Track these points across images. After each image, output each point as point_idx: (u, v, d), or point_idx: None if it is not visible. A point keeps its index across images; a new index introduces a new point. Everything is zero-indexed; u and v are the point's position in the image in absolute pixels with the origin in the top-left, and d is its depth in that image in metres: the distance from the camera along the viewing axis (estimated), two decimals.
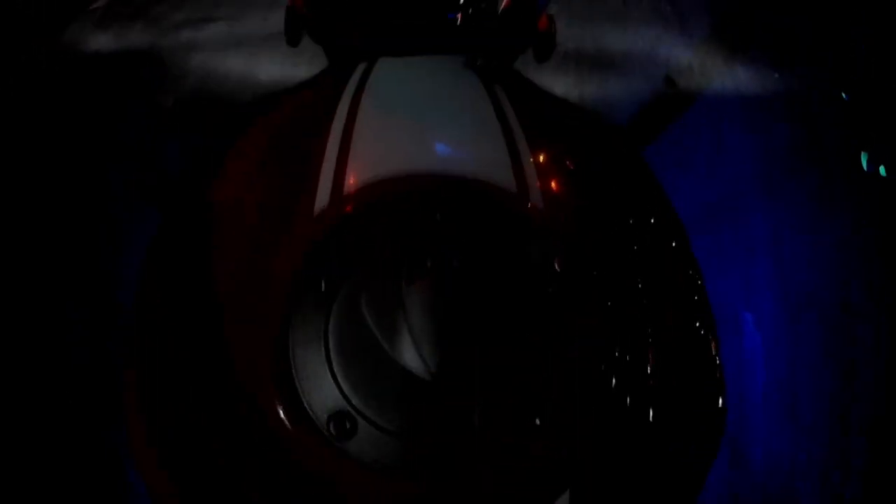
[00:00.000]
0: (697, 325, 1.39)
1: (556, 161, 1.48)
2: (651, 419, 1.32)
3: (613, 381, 1.31)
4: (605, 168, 1.53)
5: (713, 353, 1.38)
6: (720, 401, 1.35)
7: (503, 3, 1.74)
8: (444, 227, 1.33)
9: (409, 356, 1.28)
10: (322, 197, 1.32)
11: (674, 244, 1.44)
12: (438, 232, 1.33)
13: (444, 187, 1.35)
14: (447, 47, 1.67)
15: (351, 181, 1.34)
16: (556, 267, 1.34)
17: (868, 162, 1.57)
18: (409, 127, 1.43)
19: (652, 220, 1.47)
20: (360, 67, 1.55)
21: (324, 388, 1.29)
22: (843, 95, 1.66)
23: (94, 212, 1.93)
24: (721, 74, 1.74)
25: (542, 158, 1.45)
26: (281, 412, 1.28)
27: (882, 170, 1.56)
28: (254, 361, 1.31)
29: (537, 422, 1.28)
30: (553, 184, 1.44)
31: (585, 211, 1.43)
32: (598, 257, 1.38)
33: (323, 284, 1.30)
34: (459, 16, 1.70)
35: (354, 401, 1.28)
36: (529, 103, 1.60)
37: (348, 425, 1.28)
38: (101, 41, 1.82)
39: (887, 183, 1.57)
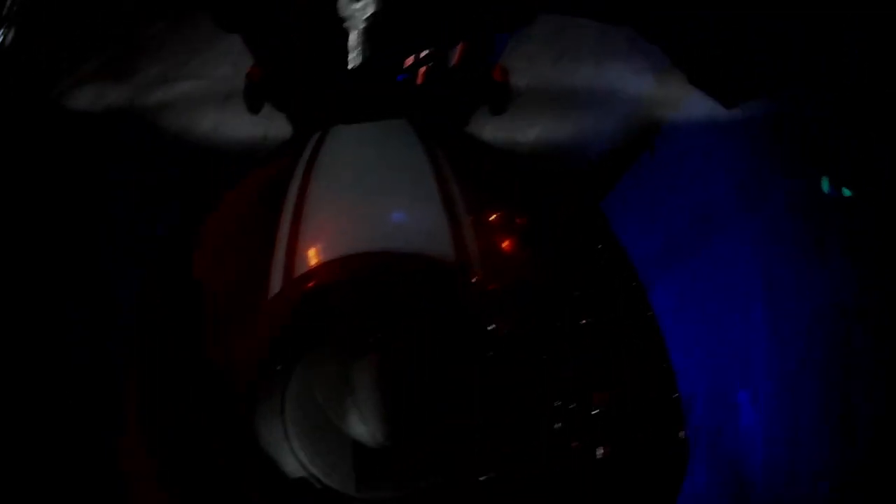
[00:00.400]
0: (654, 367, 1.44)
1: (499, 225, 1.54)
2: (608, 465, 1.38)
3: (565, 439, 1.39)
4: (552, 225, 1.58)
5: (671, 391, 1.42)
6: (681, 433, 1.40)
7: (453, 60, 1.77)
8: (386, 305, 1.42)
9: (358, 429, 1.36)
10: (275, 281, 1.40)
11: (627, 292, 1.50)
12: (381, 310, 1.42)
13: (386, 266, 1.43)
14: (399, 111, 1.72)
15: (300, 265, 1.43)
16: (497, 333, 1.43)
17: (829, 185, 1.59)
18: (354, 205, 1.52)
19: (603, 270, 1.53)
20: (314, 139, 1.61)
21: (284, 459, 1.38)
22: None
23: (94, 212, 1.94)
24: (700, 101, 1.76)
25: (484, 224, 1.52)
26: (250, 478, 1.37)
27: (845, 190, 1.58)
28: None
29: (483, 480, 1.36)
30: (496, 249, 1.51)
31: (531, 272, 1.50)
32: (544, 318, 1.46)
33: (279, 365, 1.41)
34: (408, 77, 1.74)
35: (313, 470, 1.37)
36: (476, 166, 1.66)
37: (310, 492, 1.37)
38: (81, 99, 1.90)
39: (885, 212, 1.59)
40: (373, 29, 1.72)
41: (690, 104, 1.72)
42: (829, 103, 1.66)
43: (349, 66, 1.72)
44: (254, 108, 1.81)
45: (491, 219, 1.54)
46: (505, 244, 1.54)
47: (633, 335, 1.49)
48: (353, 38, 1.73)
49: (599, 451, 1.40)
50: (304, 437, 1.40)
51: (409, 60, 1.76)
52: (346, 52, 1.76)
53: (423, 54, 1.75)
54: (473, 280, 1.42)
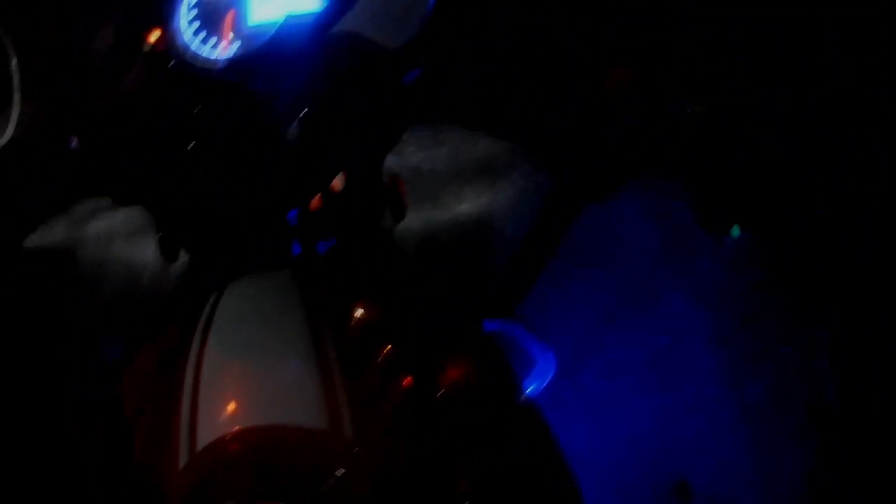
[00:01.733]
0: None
1: (375, 384, 1.54)
2: None
3: None
4: (437, 378, 1.59)
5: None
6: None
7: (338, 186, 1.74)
8: (269, 478, 1.44)
9: None
10: (180, 456, 1.44)
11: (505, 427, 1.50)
12: (265, 483, 1.43)
13: (270, 442, 1.44)
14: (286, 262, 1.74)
15: (198, 442, 1.45)
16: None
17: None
18: (243, 375, 1.52)
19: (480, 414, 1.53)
20: (212, 298, 1.65)
21: None
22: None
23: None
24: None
25: (360, 384, 1.51)
26: None
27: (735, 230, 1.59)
28: None
29: None
30: (371, 411, 1.50)
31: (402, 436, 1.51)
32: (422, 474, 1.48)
33: None
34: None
35: None
36: (365, 311, 1.65)
37: None
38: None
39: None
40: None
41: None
42: (811, 103, 1.66)
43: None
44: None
45: (367, 378, 1.56)
46: (384, 404, 1.56)
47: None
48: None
49: None
50: None
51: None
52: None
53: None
54: (346, 450, 1.44)
